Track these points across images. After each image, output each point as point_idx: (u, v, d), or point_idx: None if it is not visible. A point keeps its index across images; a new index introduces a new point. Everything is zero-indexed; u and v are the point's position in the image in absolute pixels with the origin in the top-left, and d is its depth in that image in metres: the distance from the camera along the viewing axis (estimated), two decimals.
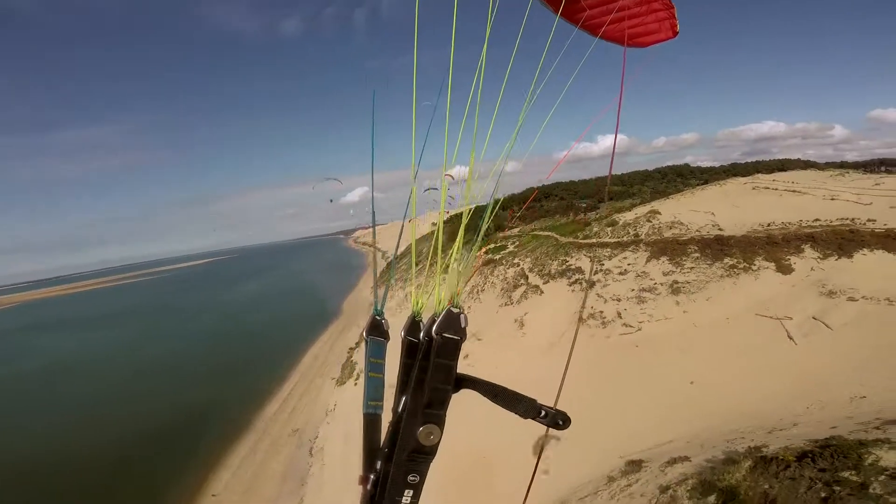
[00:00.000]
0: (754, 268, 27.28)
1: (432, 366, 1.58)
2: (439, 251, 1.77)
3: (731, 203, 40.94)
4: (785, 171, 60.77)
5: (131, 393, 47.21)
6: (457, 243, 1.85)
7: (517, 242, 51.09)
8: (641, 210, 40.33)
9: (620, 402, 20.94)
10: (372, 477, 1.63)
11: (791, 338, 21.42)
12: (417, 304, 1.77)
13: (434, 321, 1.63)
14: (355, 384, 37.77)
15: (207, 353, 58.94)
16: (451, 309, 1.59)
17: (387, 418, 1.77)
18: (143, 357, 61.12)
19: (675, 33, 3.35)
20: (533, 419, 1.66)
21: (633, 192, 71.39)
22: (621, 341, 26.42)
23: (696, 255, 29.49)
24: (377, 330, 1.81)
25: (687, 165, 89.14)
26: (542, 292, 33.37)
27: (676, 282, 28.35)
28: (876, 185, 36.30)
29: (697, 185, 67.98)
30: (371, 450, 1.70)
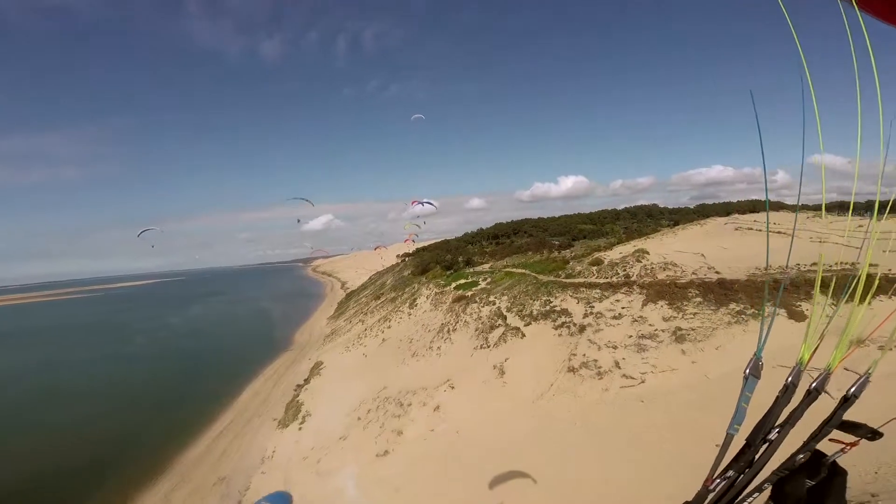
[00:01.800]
0: (764, 314, 24.63)
1: (834, 415, 1.91)
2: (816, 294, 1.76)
3: (718, 244, 39.20)
4: (757, 212, 61.19)
5: (30, 420, 39.29)
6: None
7: (489, 279, 47.39)
8: (626, 249, 37.72)
9: (629, 470, 16.93)
10: (718, 481, 1.89)
11: (825, 392, 18.19)
12: (802, 356, 2.00)
13: (822, 379, 1.99)
14: (300, 428, 32.28)
15: (132, 380, 51.15)
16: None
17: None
18: (55, 381, 52.14)
19: None
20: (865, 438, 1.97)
21: (605, 230, 70.10)
22: (623, 396, 22.59)
23: (699, 299, 26.59)
24: (756, 370, 2.06)
25: (656, 206, 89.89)
26: (523, 335, 29.35)
27: (680, 328, 25.15)
28: (859, 226, 35.49)
29: (668, 224, 68.05)
30: (721, 460, 1.96)
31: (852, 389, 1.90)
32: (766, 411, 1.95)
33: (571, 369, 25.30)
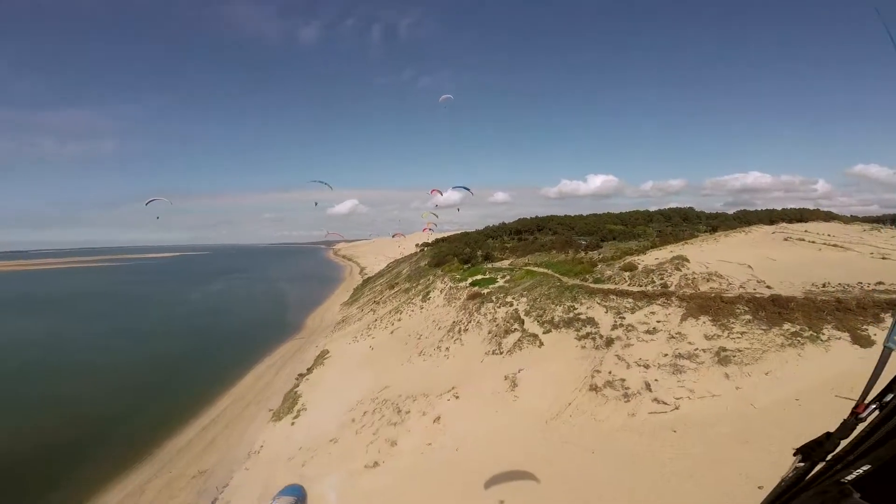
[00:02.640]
0: (823, 337, 21.14)
1: None
2: None
3: (765, 254, 35.09)
4: (805, 221, 56.04)
5: (18, 396, 38.35)
6: None
7: (508, 277, 44.21)
8: (663, 255, 34.01)
9: None
10: (873, 407, 1.55)
11: None
12: None
13: None
14: (293, 423, 30.31)
15: (136, 357, 49.95)
16: None
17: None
18: (53, 355, 51.51)
19: None
20: None
21: (636, 232, 65.83)
22: (651, 422, 19.43)
23: (748, 317, 23.00)
24: None
25: (692, 209, 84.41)
26: (541, 344, 26.28)
27: (724, 349, 21.73)
28: None
29: (705, 230, 63.28)
30: (876, 381, 1.62)
31: None
32: None
33: (594, 388, 22.16)
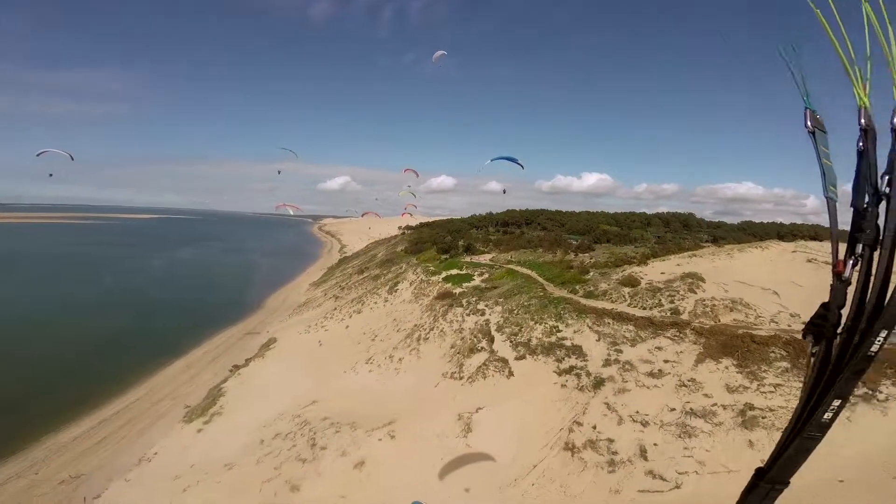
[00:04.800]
0: (880, 396, 15.69)
1: None
2: None
3: (788, 278, 29.42)
4: (818, 239, 50.61)
5: None
6: None
7: (486, 275, 38.27)
8: (669, 268, 28.27)
9: None
10: (850, 263, 1.43)
11: None
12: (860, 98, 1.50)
13: None
14: (200, 429, 25.27)
15: (63, 326, 43.99)
16: None
17: None
18: None
19: None
20: None
21: (633, 236, 60.11)
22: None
23: (784, 364, 17.45)
24: (817, 122, 1.61)
25: (693, 215, 78.70)
26: (510, 373, 20.48)
27: (752, 406, 16.22)
28: None
29: (707, 239, 57.89)
30: (837, 234, 1.57)
31: None
32: (855, 166, 1.47)
33: (570, 447, 16.47)
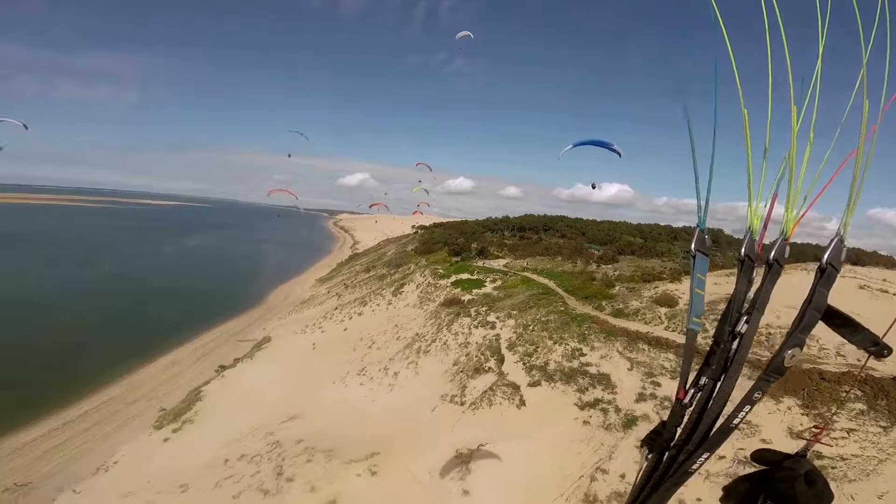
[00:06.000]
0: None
1: (815, 293, 1.51)
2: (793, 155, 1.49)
3: (847, 307, 25.44)
4: (859, 264, 46.04)
5: None
6: None
7: (499, 282, 34.86)
8: (709, 287, 24.18)
9: None
10: (692, 392, 1.53)
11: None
12: (751, 222, 1.61)
13: (780, 247, 1.53)
14: (167, 438, 22.55)
15: (53, 314, 41.60)
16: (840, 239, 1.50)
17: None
18: None
19: None
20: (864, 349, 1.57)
21: (659, 249, 56.04)
22: None
23: (860, 405, 14.11)
24: (703, 245, 1.66)
25: (721, 231, 74.34)
26: (522, 402, 17.12)
27: (819, 454, 13.03)
28: None
29: (737, 258, 53.25)
30: (689, 364, 1.60)
31: (826, 257, 1.46)
32: (727, 299, 1.54)
33: (592, 499, 13.10)
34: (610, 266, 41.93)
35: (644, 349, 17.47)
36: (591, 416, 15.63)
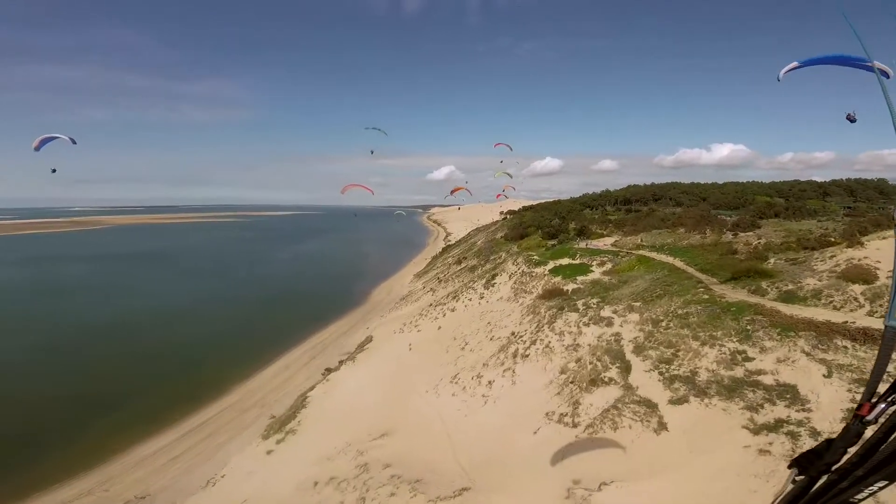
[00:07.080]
0: None
1: None
2: None
3: None
4: None
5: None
6: None
7: (609, 265, 29.53)
8: None
9: None
10: (882, 407, 1.28)
11: None
12: None
13: None
14: (270, 451, 22.00)
15: (183, 325, 45.25)
16: None
17: None
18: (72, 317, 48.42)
19: None
20: None
21: (810, 208, 45.18)
22: None
23: None
24: None
25: (885, 181, 59.32)
26: (661, 425, 12.65)
27: None
28: None
29: None
30: (882, 373, 1.34)
31: None
32: None
33: None
34: (751, 233, 33.89)
35: (845, 347, 11.90)
36: (771, 443, 10.72)
